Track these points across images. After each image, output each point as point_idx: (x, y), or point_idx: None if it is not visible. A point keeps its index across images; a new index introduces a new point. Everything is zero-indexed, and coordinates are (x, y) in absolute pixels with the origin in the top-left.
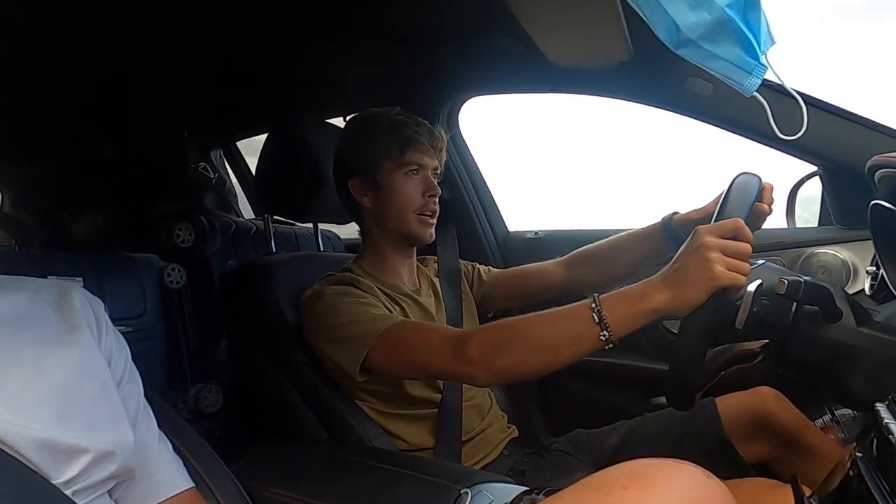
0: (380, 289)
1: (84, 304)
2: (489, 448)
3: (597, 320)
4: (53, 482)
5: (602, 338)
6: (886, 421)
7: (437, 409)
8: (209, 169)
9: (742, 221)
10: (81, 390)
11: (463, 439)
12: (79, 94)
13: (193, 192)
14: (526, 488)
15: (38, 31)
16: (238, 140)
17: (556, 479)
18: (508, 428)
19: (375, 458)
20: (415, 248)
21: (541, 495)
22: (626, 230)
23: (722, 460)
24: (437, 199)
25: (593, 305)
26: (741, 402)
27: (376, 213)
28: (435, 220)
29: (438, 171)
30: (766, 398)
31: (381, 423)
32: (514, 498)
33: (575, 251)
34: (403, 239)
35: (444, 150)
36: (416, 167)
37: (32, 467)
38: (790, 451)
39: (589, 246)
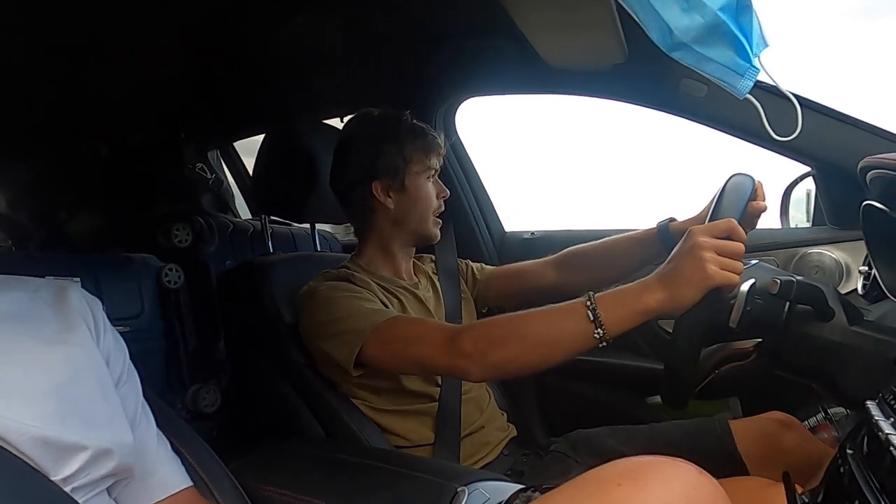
0: (376, 283)
1: (82, 304)
2: (489, 448)
3: (591, 318)
4: (52, 479)
5: (596, 336)
6: (876, 419)
7: (435, 404)
8: (206, 169)
9: (735, 221)
10: (80, 389)
11: (462, 435)
12: (76, 93)
13: (191, 192)
14: (522, 486)
15: (34, 30)
16: (235, 141)
17: (554, 479)
18: (507, 427)
19: (373, 457)
20: (414, 248)
21: (536, 493)
22: (621, 230)
23: (718, 460)
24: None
25: (588, 304)
26: (754, 429)
27: (398, 214)
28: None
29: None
30: (781, 427)
31: (379, 420)
32: (510, 496)
33: (569, 249)
34: (419, 239)
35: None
36: (434, 171)
37: (32, 464)
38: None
39: (583, 246)
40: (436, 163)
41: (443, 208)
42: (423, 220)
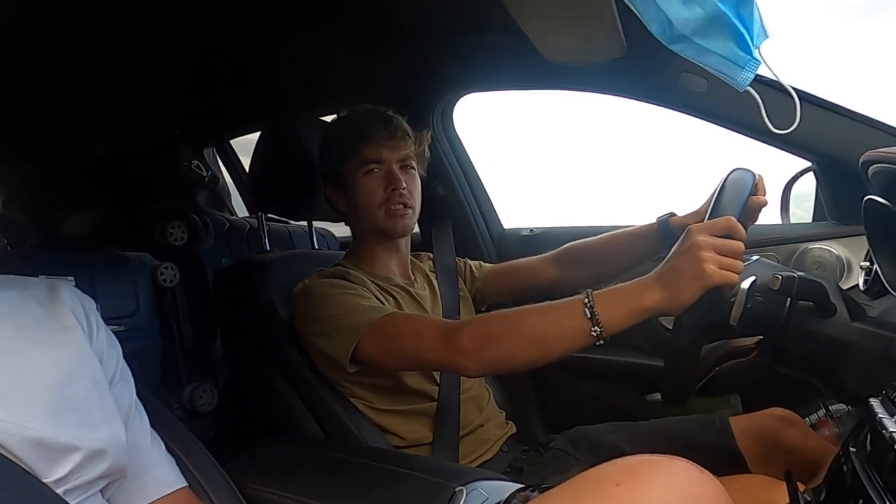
0: (371, 280)
1: (75, 303)
2: (488, 445)
3: (589, 316)
4: (45, 481)
5: (593, 334)
6: (880, 416)
7: (433, 403)
8: (202, 167)
9: (734, 220)
10: (73, 388)
11: (461, 434)
12: (72, 92)
13: (187, 190)
14: (521, 485)
15: (30, 30)
16: (232, 138)
17: (553, 477)
18: (506, 424)
19: (370, 457)
20: (402, 242)
21: (535, 493)
22: (620, 226)
23: (718, 457)
24: (403, 192)
25: (586, 301)
26: (755, 426)
27: (349, 215)
28: (411, 212)
29: (409, 161)
30: (782, 424)
31: (377, 419)
32: (509, 495)
33: (568, 245)
34: (380, 235)
35: (409, 138)
36: (374, 163)
37: (23, 466)
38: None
39: (583, 241)
40: (375, 154)
41: (404, 200)
42: (369, 216)
